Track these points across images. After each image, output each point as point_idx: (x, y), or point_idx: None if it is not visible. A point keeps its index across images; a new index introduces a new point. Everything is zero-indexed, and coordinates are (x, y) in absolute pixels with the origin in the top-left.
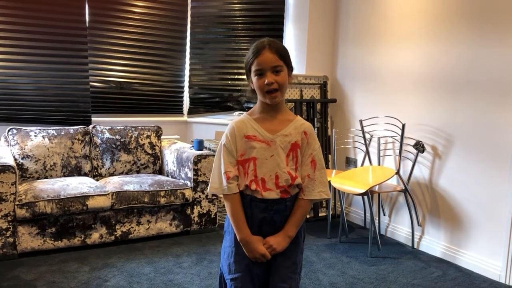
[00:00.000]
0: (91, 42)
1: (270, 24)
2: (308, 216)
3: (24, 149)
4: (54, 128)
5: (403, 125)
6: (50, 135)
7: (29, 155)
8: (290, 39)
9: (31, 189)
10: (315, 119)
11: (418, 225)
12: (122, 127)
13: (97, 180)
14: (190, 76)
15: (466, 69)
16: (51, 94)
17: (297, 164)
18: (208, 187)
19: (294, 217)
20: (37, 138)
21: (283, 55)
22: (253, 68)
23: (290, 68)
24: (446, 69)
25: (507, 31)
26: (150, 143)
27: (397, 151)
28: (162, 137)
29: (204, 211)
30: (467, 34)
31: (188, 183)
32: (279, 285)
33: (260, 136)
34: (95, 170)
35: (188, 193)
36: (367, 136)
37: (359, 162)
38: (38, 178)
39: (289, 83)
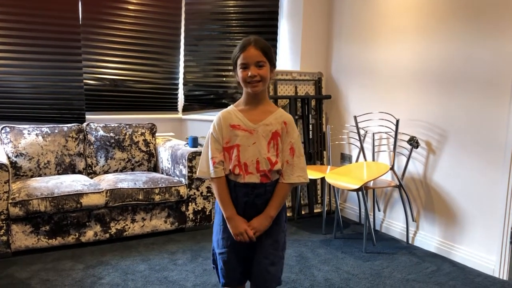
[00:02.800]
0: (84, 39)
1: (265, 20)
2: (303, 213)
3: (18, 147)
4: (48, 126)
5: (397, 121)
6: (44, 133)
7: (23, 153)
8: (285, 36)
9: (24, 187)
10: (310, 115)
11: (413, 221)
12: (116, 125)
13: (92, 178)
14: (184, 73)
15: (460, 64)
16: (44, 92)
17: (277, 151)
18: (197, 171)
19: (275, 199)
20: (31, 136)
21: (267, 52)
22: (238, 62)
23: (272, 65)
24: (440, 65)
25: (502, 27)
26: (145, 140)
27: (392, 147)
28: (156, 134)
29: (199, 208)
30: (461, 30)
31: (183, 180)
32: (262, 260)
33: (244, 125)
34: (90, 168)
35: (183, 190)
36: (362, 132)
37: (353, 158)
38: (32, 176)
39: (271, 79)
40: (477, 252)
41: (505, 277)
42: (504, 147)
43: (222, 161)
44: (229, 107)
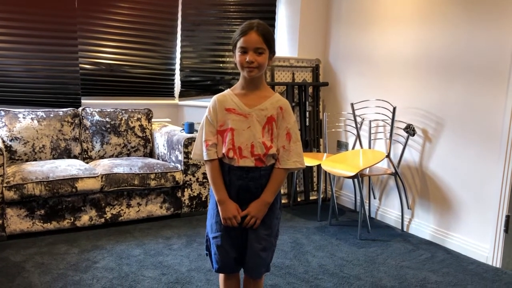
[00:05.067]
0: (80, 23)
1: (263, 6)
2: (298, 200)
3: (13, 131)
4: (43, 110)
5: (394, 108)
6: (39, 117)
7: (18, 137)
8: (283, 22)
9: (19, 171)
10: (307, 102)
11: (408, 208)
12: (112, 110)
13: (87, 162)
14: (181, 59)
15: (458, 52)
16: (40, 76)
17: (272, 136)
18: (192, 154)
19: (271, 185)
20: (26, 120)
21: (268, 39)
22: (238, 45)
23: (272, 52)
24: (437, 52)
25: (500, 15)
26: (141, 126)
27: (388, 135)
28: (153, 120)
29: (195, 194)
30: (459, 18)
31: (179, 166)
32: (254, 245)
33: (239, 109)
34: (85, 153)
35: (179, 176)
36: (358, 119)
37: (350, 146)
38: (27, 161)
39: (268, 65)
40: (471, 240)
41: (498, 264)
42: (500, 135)
43: (215, 144)
44: (225, 91)
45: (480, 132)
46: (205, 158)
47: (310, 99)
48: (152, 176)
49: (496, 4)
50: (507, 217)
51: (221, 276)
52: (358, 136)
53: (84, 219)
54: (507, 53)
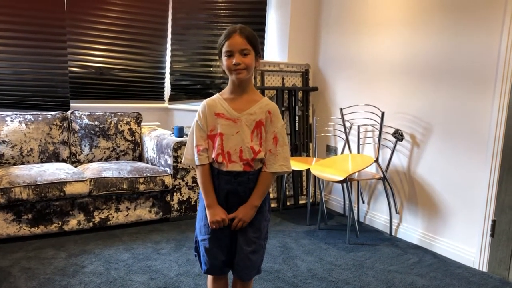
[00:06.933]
0: (70, 26)
1: (253, 11)
2: (288, 204)
3: (0, 135)
4: (32, 113)
5: (383, 114)
6: (27, 120)
7: (5, 141)
8: (273, 27)
9: (6, 175)
10: (297, 107)
11: (396, 213)
12: (101, 113)
13: (76, 166)
14: (171, 63)
15: (446, 58)
16: (28, 79)
17: (261, 140)
18: (183, 159)
19: (258, 189)
20: (14, 123)
21: (252, 40)
22: (224, 49)
23: (258, 53)
24: (425, 58)
25: (486, 20)
26: (130, 129)
27: (377, 139)
28: (142, 123)
29: (184, 198)
30: (447, 23)
31: (168, 170)
32: (244, 247)
33: (228, 114)
34: (74, 157)
35: (168, 180)
36: (347, 124)
37: (339, 150)
38: (14, 164)
39: (256, 68)
40: (458, 244)
41: (484, 269)
42: (486, 140)
43: (206, 149)
44: (214, 96)
45: (467, 137)
46: (197, 163)
47: (300, 104)
48: (141, 180)
49: (482, 9)
50: (493, 221)
51: (209, 277)
52: (347, 141)
53: (72, 223)
54: (493, 58)
